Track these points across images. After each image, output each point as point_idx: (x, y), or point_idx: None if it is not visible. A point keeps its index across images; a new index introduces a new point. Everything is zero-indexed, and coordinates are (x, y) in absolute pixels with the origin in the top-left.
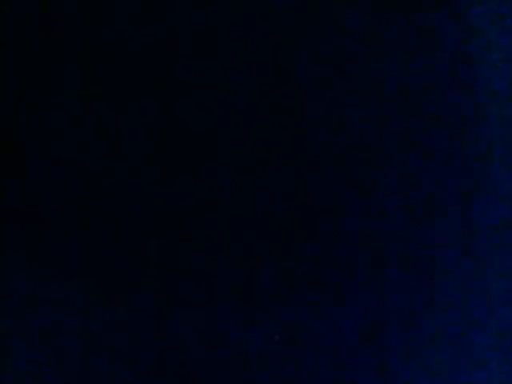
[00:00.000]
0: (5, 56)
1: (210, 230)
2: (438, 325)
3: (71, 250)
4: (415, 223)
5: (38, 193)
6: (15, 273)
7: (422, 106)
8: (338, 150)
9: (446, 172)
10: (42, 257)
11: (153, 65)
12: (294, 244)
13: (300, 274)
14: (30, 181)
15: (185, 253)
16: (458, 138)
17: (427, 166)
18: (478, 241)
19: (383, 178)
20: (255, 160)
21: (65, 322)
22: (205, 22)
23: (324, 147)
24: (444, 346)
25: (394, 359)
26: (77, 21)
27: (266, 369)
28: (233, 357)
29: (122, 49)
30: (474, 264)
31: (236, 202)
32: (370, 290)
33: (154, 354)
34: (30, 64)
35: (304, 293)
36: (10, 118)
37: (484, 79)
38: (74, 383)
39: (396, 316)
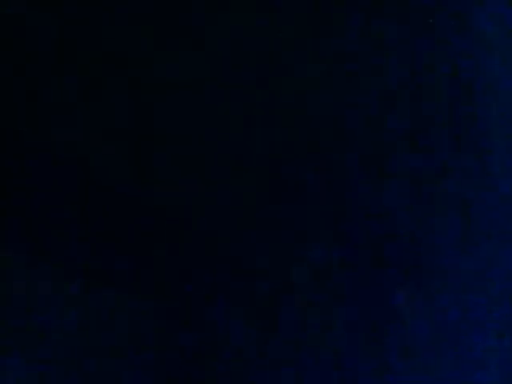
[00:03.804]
0: (4, 56)
1: (209, 229)
2: (437, 324)
3: (71, 250)
4: (415, 223)
5: (37, 193)
6: (15, 273)
7: (423, 106)
8: (337, 150)
9: (446, 172)
10: (42, 256)
11: (153, 65)
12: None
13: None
14: (30, 181)
15: (185, 252)
16: (458, 138)
17: (427, 166)
18: (478, 241)
19: (383, 178)
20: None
21: (64, 320)
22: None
23: (324, 148)
24: (444, 346)
25: (394, 359)
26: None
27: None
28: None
29: (122, 51)
30: (474, 264)
31: (236, 201)
32: (370, 290)
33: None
34: (30, 65)
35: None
36: (10, 117)
37: (484, 80)
38: (75, 382)
39: (396, 316)
